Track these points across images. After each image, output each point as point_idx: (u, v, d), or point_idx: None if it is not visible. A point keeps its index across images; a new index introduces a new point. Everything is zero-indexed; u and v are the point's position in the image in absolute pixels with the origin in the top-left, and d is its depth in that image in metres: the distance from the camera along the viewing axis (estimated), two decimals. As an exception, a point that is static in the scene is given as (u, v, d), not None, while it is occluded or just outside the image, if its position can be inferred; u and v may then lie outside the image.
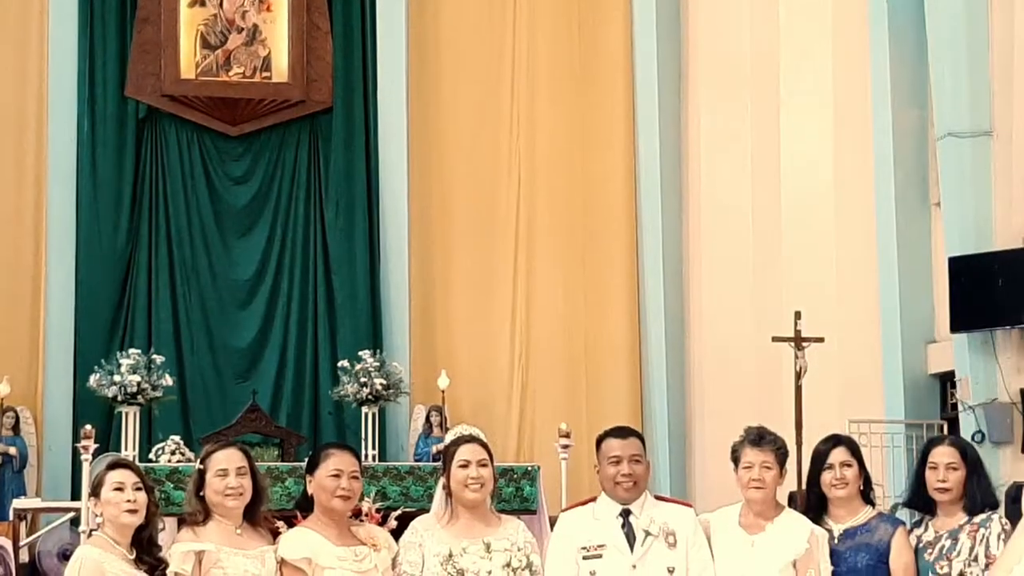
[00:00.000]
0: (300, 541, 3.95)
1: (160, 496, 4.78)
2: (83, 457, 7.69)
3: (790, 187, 9.69)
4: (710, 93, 10.28)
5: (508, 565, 3.95)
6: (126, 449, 8.94)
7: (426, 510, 4.29)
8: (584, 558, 4.08)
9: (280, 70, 10.55)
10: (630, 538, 4.09)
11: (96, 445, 7.79)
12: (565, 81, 10.83)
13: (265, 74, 10.55)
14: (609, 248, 10.66)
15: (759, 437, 4.22)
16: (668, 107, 10.46)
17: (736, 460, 4.25)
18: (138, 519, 3.78)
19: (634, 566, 4.06)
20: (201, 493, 3.93)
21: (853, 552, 4.19)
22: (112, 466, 3.87)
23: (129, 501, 3.75)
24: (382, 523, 5.76)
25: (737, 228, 9.99)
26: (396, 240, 10.57)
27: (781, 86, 9.80)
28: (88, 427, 7.86)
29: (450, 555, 3.95)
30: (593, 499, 4.24)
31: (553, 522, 4.61)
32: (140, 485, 3.81)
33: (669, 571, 4.06)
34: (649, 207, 10.50)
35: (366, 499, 6.13)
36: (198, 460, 4.07)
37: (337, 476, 3.98)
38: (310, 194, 10.65)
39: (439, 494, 4.16)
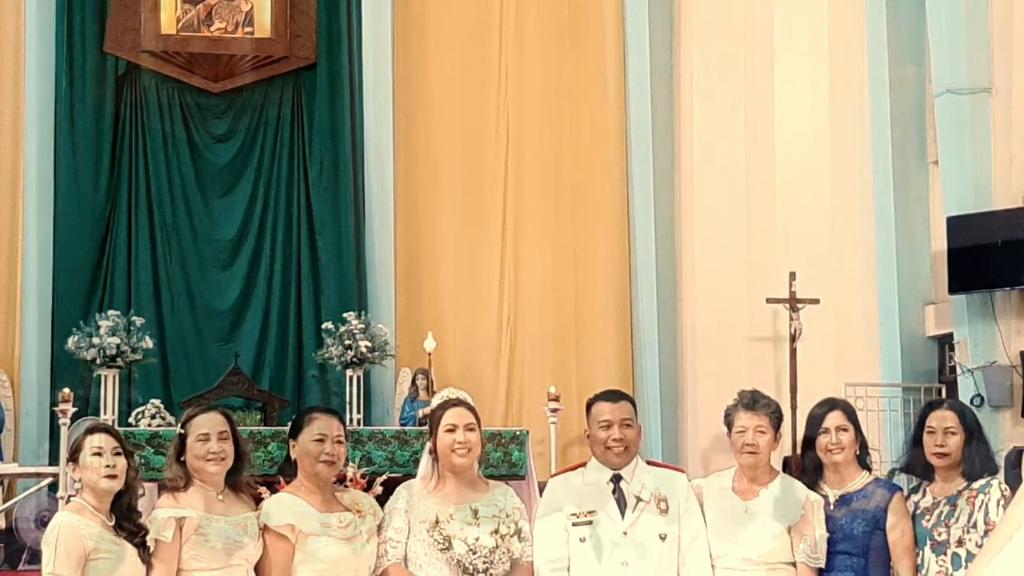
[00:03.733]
0: (283, 507, 3.88)
1: (140, 461, 4.73)
2: (61, 421, 7.59)
3: (784, 145, 9.57)
4: (703, 50, 10.12)
5: (496, 531, 3.87)
6: (105, 413, 8.84)
7: (412, 475, 4.21)
8: (574, 524, 4.00)
9: (263, 25, 10.33)
10: (621, 504, 4.01)
11: (74, 409, 7.70)
12: (555, 37, 10.64)
13: (247, 29, 10.33)
14: (599, 208, 10.51)
15: (753, 401, 4.15)
16: (660, 64, 10.28)
17: (729, 424, 4.18)
18: (117, 485, 3.74)
19: (625, 533, 3.97)
20: (182, 458, 3.89)
21: (849, 518, 4.12)
22: (91, 430, 3.83)
23: (108, 466, 3.71)
24: (367, 489, 5.67)
25: (730, 187, 9.87)
26: (381, 199, 10.39)
27: (775, 42, 9.66)
28: (66, 390, 7.75)
29: (437, 521, 3.86)
30: (583, 464, 4.16)
31: (542, 488, 4.51)
32: (119, 450, 3.77)
33: (661, 538, 3.97)
34: (640, 166, 10.34)
35: (351, 464, 6.03)
36: (179, 424, 4.03)
37: (321, 441, 3.91)
38: (293, 152, 10.48)
39: (425, 459, 4.08)
